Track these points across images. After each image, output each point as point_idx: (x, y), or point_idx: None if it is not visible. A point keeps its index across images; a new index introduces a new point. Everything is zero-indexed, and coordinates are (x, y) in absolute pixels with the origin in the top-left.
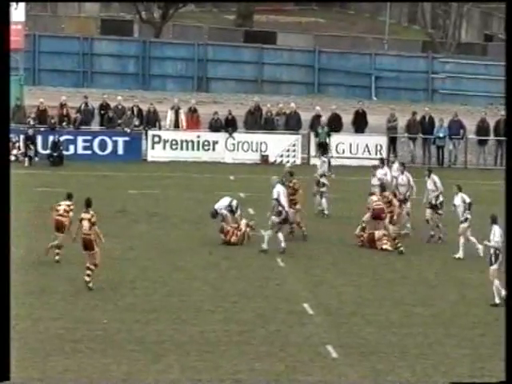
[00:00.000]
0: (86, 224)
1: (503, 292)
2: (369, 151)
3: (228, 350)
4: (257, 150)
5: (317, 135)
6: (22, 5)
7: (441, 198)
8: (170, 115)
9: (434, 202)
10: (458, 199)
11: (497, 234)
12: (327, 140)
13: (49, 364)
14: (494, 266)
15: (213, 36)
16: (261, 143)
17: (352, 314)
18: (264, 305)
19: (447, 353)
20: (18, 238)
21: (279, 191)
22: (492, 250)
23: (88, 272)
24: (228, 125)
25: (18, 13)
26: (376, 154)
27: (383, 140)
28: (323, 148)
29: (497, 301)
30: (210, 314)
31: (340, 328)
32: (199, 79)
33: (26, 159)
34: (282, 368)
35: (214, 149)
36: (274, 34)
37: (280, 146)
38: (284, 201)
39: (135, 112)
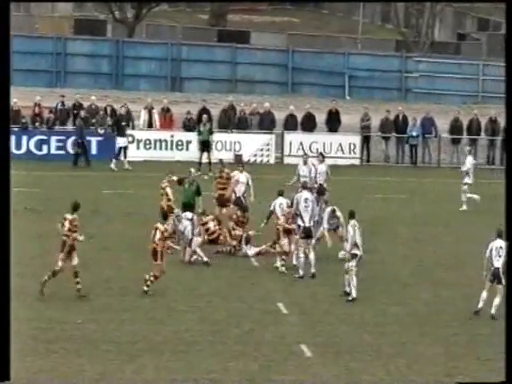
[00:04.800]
0: None
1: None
2: (342, 150)
3: (202, 349)
4: (231, 150)
5: (199, 133)
6: None
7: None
8: (144, 115)
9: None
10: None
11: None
12: (209, 138)
13: (23, 365)
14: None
15: (186, 35)
16: (235, 142)
17: (326, 313)
18: (238, 304)
19: (421, 352)
20: None
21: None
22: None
23: None
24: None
25: None
26: (350, 153)
27: (357, 139)
28: (206, 146)
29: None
30: (185, 314)
31: (314, 327)
32: (173, 79)
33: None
34: (256, 367)
35: (187, 148)
36: (248, 34)
37: (254, 145)
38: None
39: (108, 112)
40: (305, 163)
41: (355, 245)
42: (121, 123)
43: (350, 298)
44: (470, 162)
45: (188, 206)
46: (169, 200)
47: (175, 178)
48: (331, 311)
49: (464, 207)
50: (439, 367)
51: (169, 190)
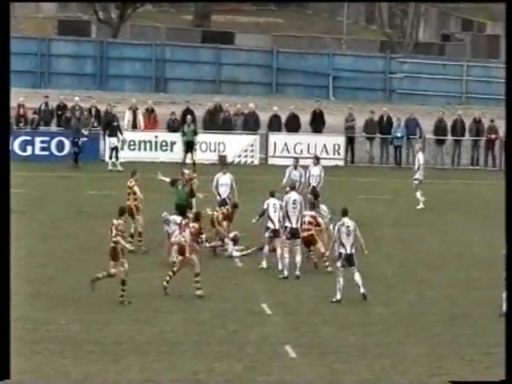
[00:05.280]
0: None
1: None
2: (327, 151)
3: (187, 350)
4: (215, 150)
5: (183, 134)
6: None
7: None
8: (128, 116)
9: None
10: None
11: None
12: (193, 139)
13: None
14: None
15: (170, 36)
16: (219, 143)
17: (310, 314)
18: (222, 305)
19: (406, 352)
20: None
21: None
22: None
23: None
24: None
25: None
26: (334, 154)
27: (341, 140)
28: (190, 147)
29: None
30: (169, 315)
31: (298, 328)
32: (157, 80)
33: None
34: (240, 368)
35: (171, 149)
36: (232, 34)
37: (238, 146)
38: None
39: (93, 113)
40: (295, 168)
41: (341, 243)
42: (112, 123)
43: (334, 300)
44: (420, 159)
45: (181, 207)
46: (135, 199)
47: (168, 180)
48: (316, 312)
49: (421, 205)
50: (424, 367)
51: (136, 189)
